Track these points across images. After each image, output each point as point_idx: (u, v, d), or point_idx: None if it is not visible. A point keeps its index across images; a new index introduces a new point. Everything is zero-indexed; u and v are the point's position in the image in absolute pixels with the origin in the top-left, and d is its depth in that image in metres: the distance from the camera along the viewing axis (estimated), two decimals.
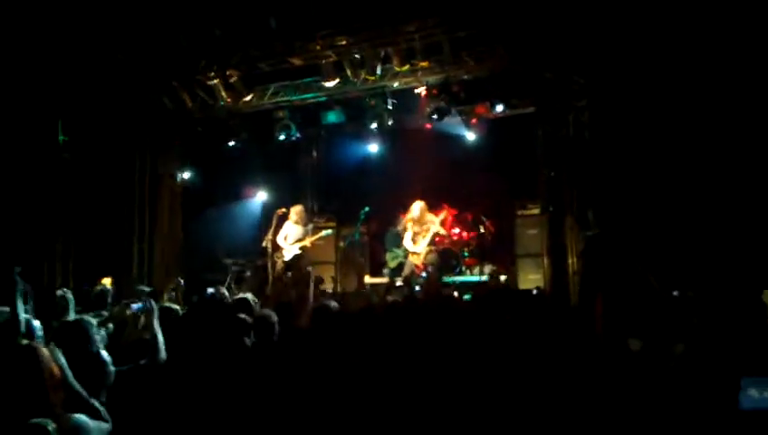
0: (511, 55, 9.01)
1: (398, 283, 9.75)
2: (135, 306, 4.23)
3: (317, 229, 10.63)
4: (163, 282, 11.02)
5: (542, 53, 8.73)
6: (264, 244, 10.28)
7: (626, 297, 5.52)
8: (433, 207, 10.48)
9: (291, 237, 10.26)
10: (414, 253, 9.90)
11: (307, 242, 10.20)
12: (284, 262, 10.19)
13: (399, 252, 10.52)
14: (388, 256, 10.84)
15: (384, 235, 11.14)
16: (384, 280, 10.44)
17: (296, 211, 10.43)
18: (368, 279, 10.96)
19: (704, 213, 8.24)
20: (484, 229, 10.88)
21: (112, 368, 3.37)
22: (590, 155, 8.77)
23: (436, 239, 10.22)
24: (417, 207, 9.94)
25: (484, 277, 10.15)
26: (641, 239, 8.36)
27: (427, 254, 9.94)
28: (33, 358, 2.41)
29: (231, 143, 11.08)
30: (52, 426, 2.22)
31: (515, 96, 10.06)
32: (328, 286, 11.05)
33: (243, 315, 4.44)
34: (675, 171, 8.42)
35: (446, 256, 10.63)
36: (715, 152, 8.15)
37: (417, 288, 8.83)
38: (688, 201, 8.34)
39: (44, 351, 2.52)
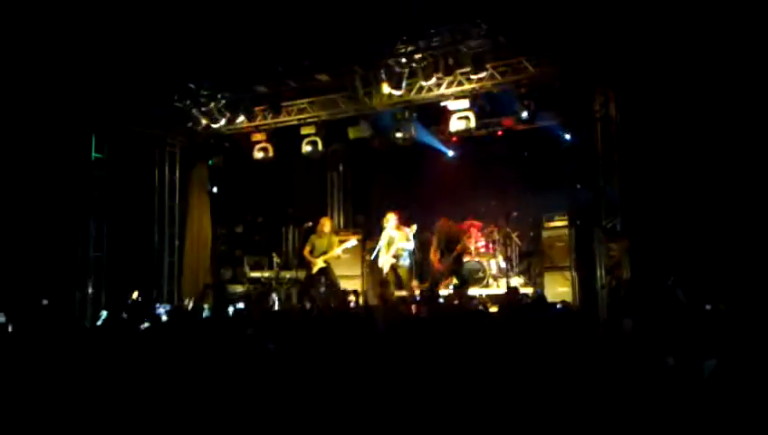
0: (536, 67, 9.02)
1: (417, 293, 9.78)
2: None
3: (341, 241, 10.68)
4: (192, 293, 11.21)
5: (569, 65, 8.72)
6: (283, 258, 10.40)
7: (655, 313, 5.47)
8: (458, 219, 10.53)
9: (316, 251, 10.33)
10: (438, 265, 10.00)
11: (333, 254, 10.25)
12: (309, 275, 10.26)
13: (389, 256, 10.40)
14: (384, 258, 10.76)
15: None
16: (403, 293, 10.45)
17: (322, 223, 10.53)
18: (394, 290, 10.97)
19: (734, 225, 8.14)
20: (511, 242, 10.87)
21: None
22: (618, 166, 8.72)
23: (465, 252, 10.26)
24: (444, 225, 10.07)
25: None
26: (671, 251, 8.28)
27: (454, 267, 9.98)
28: None
29: (259, 157, 11.20)
30: None
31: (542, 108, 10.04)
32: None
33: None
34: (705, 182, 8.34)
35: (472, 269, 10.64)
36: (745, 165, 8.05)
37: (441, 301, 8.83)
38: (718, 212, 8.25)
39: None
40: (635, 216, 8.62)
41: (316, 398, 3.29)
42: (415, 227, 10.22)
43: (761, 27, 7.63)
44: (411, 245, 10.32)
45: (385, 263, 10.38)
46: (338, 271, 10.55)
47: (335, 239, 10.59)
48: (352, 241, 10.79)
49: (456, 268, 10.21)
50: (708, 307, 6.55)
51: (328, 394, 3.30)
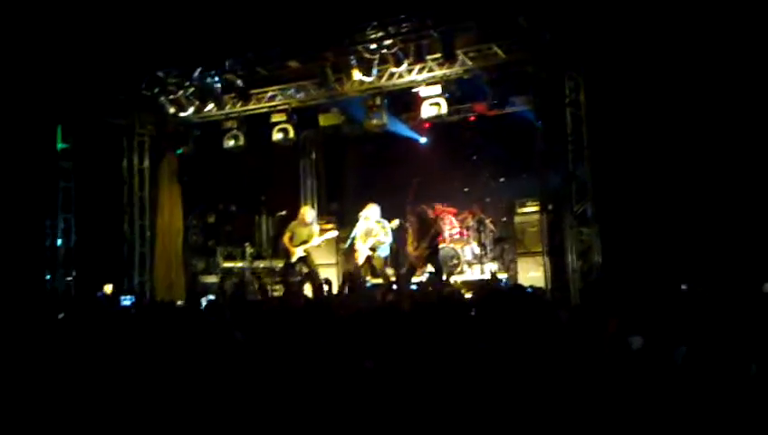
0: (507, 53, 9.03)
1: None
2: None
3: (322, 231, 10.61)
4: (162, 285, 11.08)
5: (539, 50, 8.74)
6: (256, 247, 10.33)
7: (627, 294, 5.53)
8: (431, 205, 10.54)
9: (296, 239, 10.24)
10: (414, 255, 9.97)
11: (313, 244, 10.17)
12: (288, 263, 10.18)
13: (365, 247, 10.41)
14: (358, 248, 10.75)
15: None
16: (379, 280, 10.44)
17: (301, 211, 10.42)
18: (369, 278, 10.96)
19: (703, 206, 8.26)
20: (485, 228, 10.91)
21: None
22: (589, 151, 8.79)
23: (439, 238, 10.25)
24: (420, 213, 10.04)
25: (485, 276, 10.17)
26: (642, 235, 8.38)
27: (429, 254, 9.97)
28: None
29: (230, 145, 11.06)
30: None
31: (513, 93, 10.06)
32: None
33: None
34: (674, 165, 8.44)
35: (446, 256, 10.67)
36: (713, 145, 8.17)
37: (414, 287, 8.84)
38: (688, 195, 8.36)
39: None
40: (606, 200, 8.70)
41: (281, 387, 3.27)
42: (396, 221, 10.17)
43: (725, 16, 7.72)
44: (390, 239, 10.29)
45: (360, 253, 10.37)
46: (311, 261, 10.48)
47: (316, 229, 10.50)
48: (333, 232, 10.72)
49: (431, 255, 10.21)
50: (684, 287, 6.66)
51: (292, 384, 3.28)
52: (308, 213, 10.35)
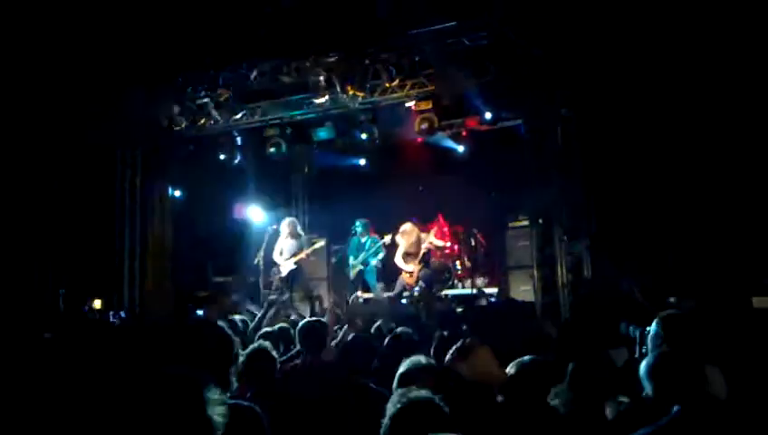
0: (498, 69, 9.09)
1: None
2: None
3: (311, 242, 10.59)
4: (153, 300, 11.01)
5: (530, 66, 8.81)
6: (255, 261, 10.27)
7: (612, 310, 5.54)
8: (423, 219, 10.55)
9: (286, 252, 10.20)
10: (407, 272, 9.98)
11: (303, 255, 10.12)
12: (281, 278, 10.13)
13: (357, 262, 10.50)
14: (351, 264, 10.79)
15: (348, 242, 11.07)
16: (370, 295, 10.43)
17: (288, 224, 10.32)
18: (360, 294, 10.95)
19: (693, 220, 8.30)
20: (475, 242, 10.94)
21: None
22: (579, 165, 8.83)
23: (430, 253, 10.27)
24: (408, 227, 10.04)
25: (475, 290, 10.18)
26: (632, 249, 8.41)
27: (420, 269, 9.98)
28: None
29: (221, 159, 11.07)
30: None
31: (504, 109, 10.12)
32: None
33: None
34: (665, 179, 8.48)
35: (438, 270, 10.67)
36: (705, 158, 8.21)
37: (404, 301, 8.85)
38: (678, 208, 8.40)
39: None
40: (596, 215, 8.73)
41: None
42: (388, 237, 10.19)
43: (717, 25, 7.79)
44: (380, 254, 10.32)
45: (353, 268, 10.41)
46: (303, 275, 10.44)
47: (304, 239, 10.47)
48: (321, 242, 10.71)
49: (423, 271, 10.21)
50: (672, 300, 6.67)
51: None
52: (290, 224, 10.27)
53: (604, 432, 2.93)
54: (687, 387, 2.69)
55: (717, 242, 8.06)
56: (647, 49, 8.17)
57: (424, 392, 2.39)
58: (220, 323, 2.95)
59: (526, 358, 3.17)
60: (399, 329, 4.81)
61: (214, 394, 1.76)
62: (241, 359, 3.87)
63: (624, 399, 3.16)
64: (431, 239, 10.32)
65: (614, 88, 8.57)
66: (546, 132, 9.01)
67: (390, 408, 2.30)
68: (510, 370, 3.13)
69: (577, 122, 8.90)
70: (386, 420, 2.28)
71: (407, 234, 10.08)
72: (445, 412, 2.29)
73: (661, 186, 8.51)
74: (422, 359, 3.33)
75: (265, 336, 5.40)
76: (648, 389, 2.77)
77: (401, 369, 3.21)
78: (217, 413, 1.74)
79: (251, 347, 4.25)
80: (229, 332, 2.77)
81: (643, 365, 2.80)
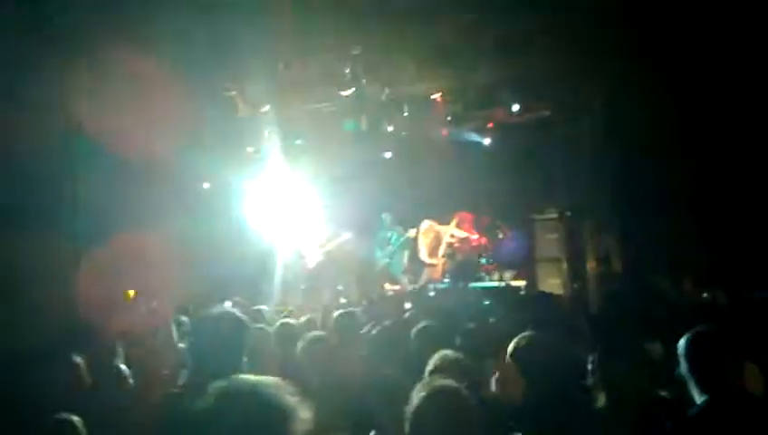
0: (526, 60, 8.99)
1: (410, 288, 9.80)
2: None
3: (337, 235, 10.64)
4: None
5: (559, 59, 8.70)
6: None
7: (641, 302, 5.46)
8: (449, 211, 10.52)
9: (314, 244, 10.29)
10: (431, 264, 9.98)
11: (329, 247, 10.21)
12: (308, 268, 10.22)
13: (383, 256, 10.49)
14: (377, 257, 10.79)
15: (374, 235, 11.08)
16: (397, 287, 10.44)
17: (318, 216, 10.48)
18: (387, 286, 10.96)
19: (726, 214, 8.14)
20: (502, 234, 10.85)
21: None
22: (609, 157, 8.71)
23: (456, 246, 10.23)
24: (425, 226, 10.08)
25: (503, 283, 10.12)
26: (662, 242, 8.28)
27: (444, 262, 9.98)
28: None
29: (249, 150, 11.12)
30: None
31: (532, 100, 10.01)
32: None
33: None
34: (695, 171, 8.33)
35: (464, 263, 10.62)
36: (735, 152, 8.05)
37: (432, 294, 8.85)
38: (710, 201, 8.25)
39: None
40: (626, 207, 8.61)
41: None
42: (413, 231, 10.20)
43: (740, 30, 7.61)
44: (406, 248, 10.33)
45: (379, 262, 10.44)
46: (331, 267, 10.50)
47: (332, 231, 10.53)
48: (346, 235, 10.74)
49: (450, 264, 10.20)
50: (705, 295, 6.57)
51: None
52: (321, 216, 10.39)
53: (638, 426, 2.88)
54: (720, 370, 2.63)
55: (751, 236, 7.89)
56: (679, 40, 8.01)
57: (449, 381, 2.37)
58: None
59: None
60: (425, 322, 4.79)
61: None
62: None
63: (663, 393, 3.10)
64: (452, 231, 10.30)
65: (645, 78, 8.42)
66: (575, 124, 8.91)
67: (415, 397, 2.28)
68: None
69: (606, 114, 8.77)
70: (410, 408, 2.26)
71: (424, 233, 10.18)
72: (470, 401, 2.26)
73: (693, 178, 8.36)
74: (449, 353, 3.31)
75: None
76: (683, 368, 2.72)
77: (429, 365, 3.19)
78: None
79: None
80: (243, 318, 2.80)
81: (681, 341, 2.75)
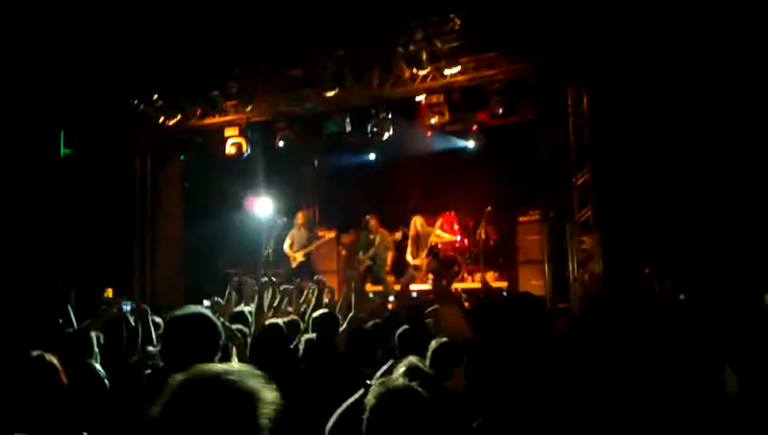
0: (510, 63, 9.03)
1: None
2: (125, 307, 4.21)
3: (320, 235, 10.62)
4: (164, 291, 11.04)
5: (542, 60, 8.74)
6: (265, 253, 10.29)
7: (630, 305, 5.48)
8: (433, 213, 10.53)
9: (296, 244, 10.23)
10: (415, 266, 9.99)
11: (312, 248, 10.18)
12: (291, 269, 10.17)
13: (366, 257, 10.49)
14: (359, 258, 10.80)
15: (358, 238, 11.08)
16: (380, 288, 10.44)
17: (299, 216, 10.43)
18: (368, 287, 10.95)
19: (706, 213, 8.22)
20: (485, 236, 10.87)
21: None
22: (590, 159, 8.77)
23: (440, 246, 10.25)
24: (416, 223, 10.06)
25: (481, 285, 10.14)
26: (644, 244, 8.34)
27: (429, 262, 9.98)
28: None
29: (232, 152, 11.06)
30: None
31: (515, 102, 10.04)
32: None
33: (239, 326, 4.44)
34: (677, 172, 8.40)
35: (447, 263, 10.65)
36: (717, 150, 8.13)
37: (415, 295, 8.85)
38: (691, 202, 8.32)
39: None
40: (608, 209, 8.67)
41: None
42: (399, 233, 10.19)
43: (731, 24, 7.69)
44: (390, 250, 10.30)
45: (361, 264, 10.43)
46: (314, 268, 10.47)
47: (313, 233, 10.51)
48: (330, 235, 10.74)
49: (432, 265, 10.21)
50: (682, 297, 6.62)
51: None
52: (302, 216, 10.36)
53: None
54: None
55: (730, 238, 7.98)
56: (660, 43, 8.08)
57: (402, 381, 2.36)
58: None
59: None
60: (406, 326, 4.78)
61: None
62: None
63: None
64: (438, 232, 10.33)
65: (626, 80, 8.49)
66: (557, 125, 8.96)
67: (370, 398, 2.27)
68: None
69: (589, 115, 8.83)
70: (366, 412, 2.23)
71: (410, 227, 10.19)
72: (425, 399, 2.26)
73: (675, 178, 8.43)
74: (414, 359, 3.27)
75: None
76: None
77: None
78: None
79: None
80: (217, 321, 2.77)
81: None
